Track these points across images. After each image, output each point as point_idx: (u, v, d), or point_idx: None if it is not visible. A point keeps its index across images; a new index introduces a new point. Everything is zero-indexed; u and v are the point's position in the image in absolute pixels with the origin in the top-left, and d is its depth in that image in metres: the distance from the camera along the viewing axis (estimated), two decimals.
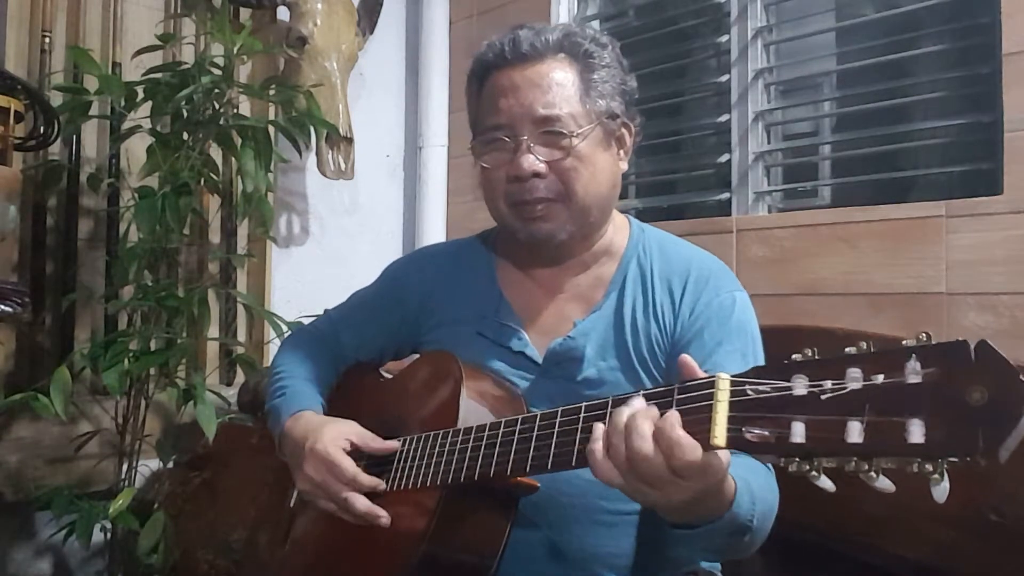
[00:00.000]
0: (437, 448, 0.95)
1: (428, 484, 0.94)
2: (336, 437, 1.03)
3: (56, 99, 1.77)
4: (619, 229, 1.14)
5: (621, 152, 1.10)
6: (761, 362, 1.04)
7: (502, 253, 1.18)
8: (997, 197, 1.50)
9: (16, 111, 1.58)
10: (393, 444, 1.03)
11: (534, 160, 1.02)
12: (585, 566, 1.02)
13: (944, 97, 1.68)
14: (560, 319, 1.10)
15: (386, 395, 1.16)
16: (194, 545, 1.71)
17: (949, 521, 1.20)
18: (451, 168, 2.53)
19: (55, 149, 1.85)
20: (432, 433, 0.97)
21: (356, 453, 1.05)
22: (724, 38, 1.98)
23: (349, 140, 2.22)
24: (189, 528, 1.71)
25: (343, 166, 2.23)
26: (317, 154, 2.21)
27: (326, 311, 1.32)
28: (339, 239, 2.45)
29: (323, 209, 2.42)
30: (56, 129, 1.70)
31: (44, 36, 1.85)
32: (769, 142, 1.93)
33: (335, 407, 1.17)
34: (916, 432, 0.55)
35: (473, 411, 0.97)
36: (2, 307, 1.51)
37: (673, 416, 0.70)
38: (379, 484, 1.00)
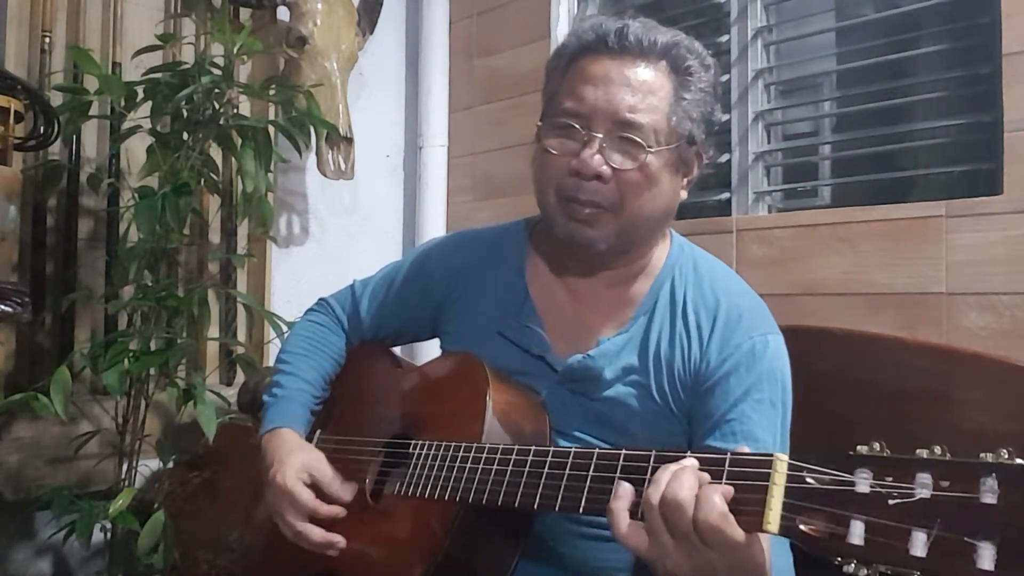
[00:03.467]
0: (459, 462, 0.92)
1: (446, 498, 0.92)
2: (299, 469, 1.05)
3: (56, 99, 1.77)
4: (659, 248, 1.08)
5: (686, 180, 1.05)
6: (787, 411, 0.99)
7: (537, 249, 1.12)
8: (997, 197, 1.50)
9: (16, 111, 1.57)
10: (352, 487, 1.04)
11: (602, 161, 0.96)
12: None
13: (944, 97, 1.68)
14: (584, 331, 1.06)
15: (404, 389, 1.15)
16: (194, 545, 1.71)
17: None
18: (451, 168, 2.53)
19: (55, 149, 1.85)
20: (454, 444, 0.95)
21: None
22: (724, 38, 1.98)
23: (349, 140, 2.22)
24: (189, 528, 1.71)
25: (343, 166, 2.23)
26: (317, 154, 2.21)
27: (353, 282, 1.29)
28: (339, 239, 2.45)
29: (323, 209, 2.42)
30: (56, 129, 1.69)
31: (44, 36, 1.85)
32: (769, 142, 1.93)
33: (348, 392, 1.17)
34: (986, 557, 0.52)
35: (497, 424, 0.95)
36: (2, 307, 1.50)
37: (724, 488, 0.67)
38: (337, 513, 1.02)
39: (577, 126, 0.98)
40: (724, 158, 1.97)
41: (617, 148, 0.96)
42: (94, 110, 1.78)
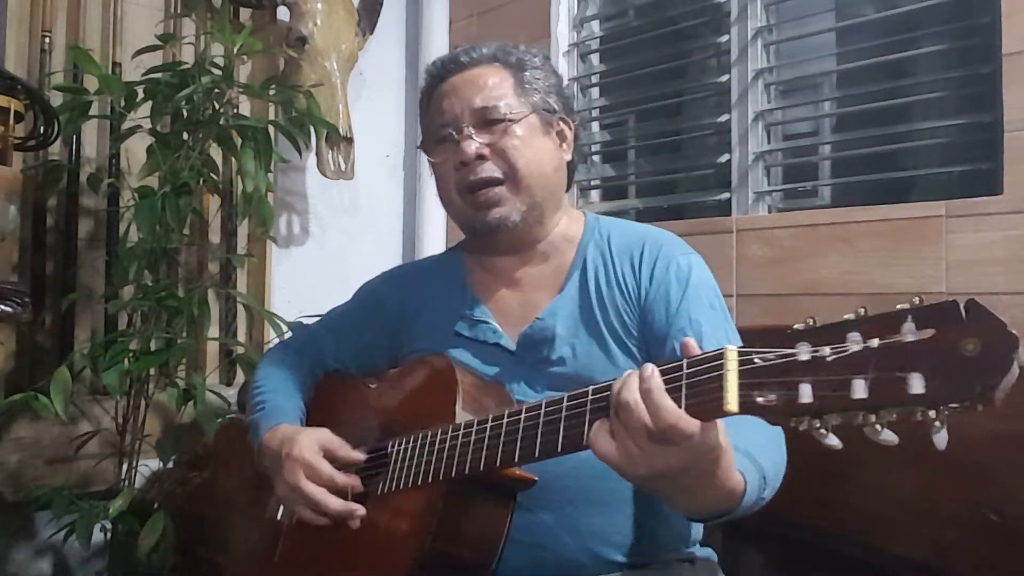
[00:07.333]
0: (437, 444, 0.95)
1: (429, 480, 0.94)
2: (311, 443, 1.07)
3: (56, 99, 1.77)
4: (574, 221, 1.20)
5: (564, 145, 1.18)
6: (726, 311, 1.10)
7: (469, 253, 1.24)
8: (997, 197, 1.50)
9: (16, 111, 1.58)
10: (358, 455, 1.06)
11: (477, 144, 1.11)
12: (584, 544, 1.03)
13: (944, 97, 1.68)
14: (528, 308, 1.15)
15: (377, 401, 1.16)
16: (194, 545, 1.71)
17: (949, 521, 1.20)
18: None
19: (55, 149, 1.85)
20: (429, 431, 0.97)
21: (340, 460, 1.06)
22: (724, 38, 1.98)
23: (349, 140, 2.22)
24: (189, 528, 1.71)
25: (343, 166, 2.23)
26: (317, 154, 2.21)
27: (306, 326, 1.37)
28: (339, 239, 2.45)
29: (323, 209, 2.42)
30: (56, 129, 1.70)
31: (44, 36, 1.85)
32: (769, 142, 1.93)
33: (320, 417, 1.18)
34: (917, 384, 0.59)
35: (469, 405, 0.97)
36: (2, 307, 1.51)
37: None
38: (354, 484, 1.03)
39: (449, 131, 1.14)
40: (724, 158, 1.97)
41: (484, 129, 1.12)
42: (94, 110, 1.79)
